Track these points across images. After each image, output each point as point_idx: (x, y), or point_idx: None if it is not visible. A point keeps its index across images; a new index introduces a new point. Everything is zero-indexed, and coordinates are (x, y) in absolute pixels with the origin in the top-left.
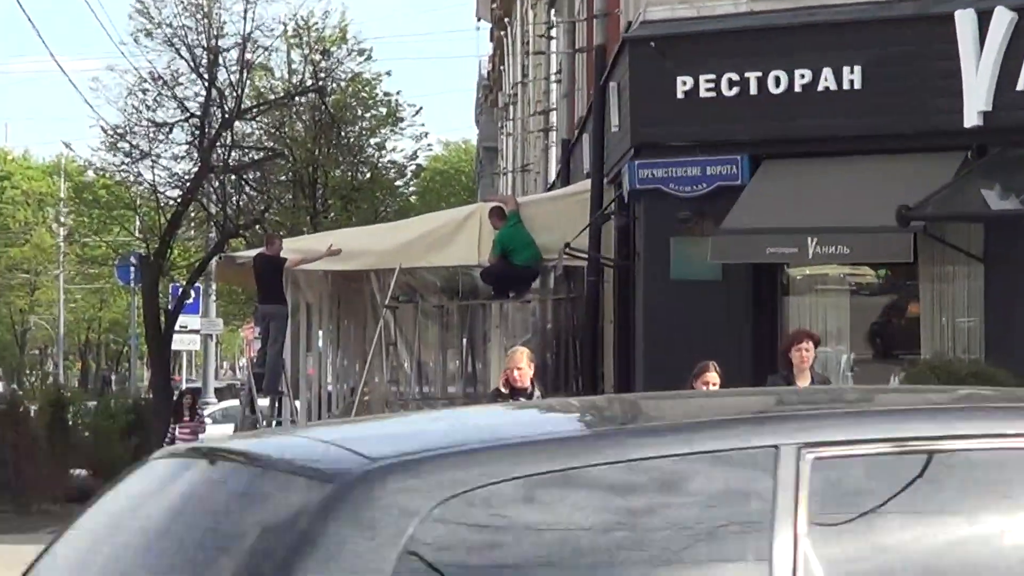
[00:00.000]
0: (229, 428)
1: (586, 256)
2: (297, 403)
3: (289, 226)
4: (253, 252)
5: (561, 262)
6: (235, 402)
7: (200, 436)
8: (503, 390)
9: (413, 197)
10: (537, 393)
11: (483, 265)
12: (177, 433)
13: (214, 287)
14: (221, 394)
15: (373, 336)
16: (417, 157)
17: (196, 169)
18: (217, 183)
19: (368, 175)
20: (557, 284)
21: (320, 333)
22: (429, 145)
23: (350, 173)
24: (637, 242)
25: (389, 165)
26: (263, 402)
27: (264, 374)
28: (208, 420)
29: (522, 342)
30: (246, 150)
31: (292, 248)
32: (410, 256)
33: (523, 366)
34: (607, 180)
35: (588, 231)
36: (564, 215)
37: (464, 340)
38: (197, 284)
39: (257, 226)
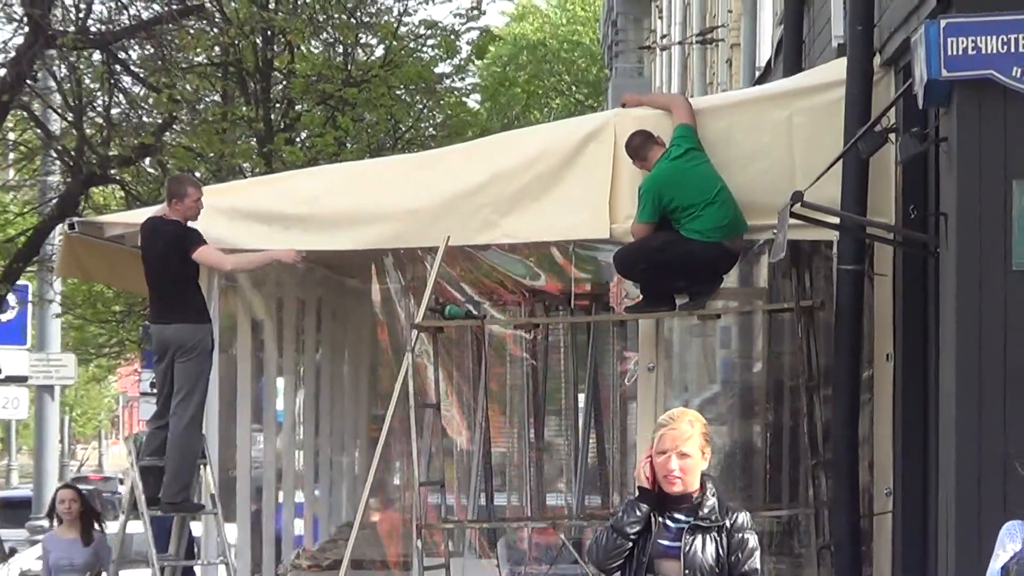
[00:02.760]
0: None
1: (836, 222)
2: (231, 531)
3: (215, 161)
4: (139, 214)
5: (784, 234)
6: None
7: None
8: (644, 489)
9: (473, 98)
10: (711, 503)
11: (618, 241)
12: None
13: (55, 288)
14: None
15: (389, 388)
16: (481, 13)
17: (21, 39)
18: (63, 68)
19: (378, 51)
20: (776, 279)
21: (281, 381)
22: None
23: (339, 49)
24: (944, 193)
25: (421, 31)
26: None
27: (164, 467)
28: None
29: (696, 401)
30: (123, 2)
31: (215, 212)
32: (468, 224)
33: (687, 448)
34: (880, 61)
35: (841, 170)
36: (788, 136)
37: (576, 394)
38: (21, 283)
39: (146, 161)
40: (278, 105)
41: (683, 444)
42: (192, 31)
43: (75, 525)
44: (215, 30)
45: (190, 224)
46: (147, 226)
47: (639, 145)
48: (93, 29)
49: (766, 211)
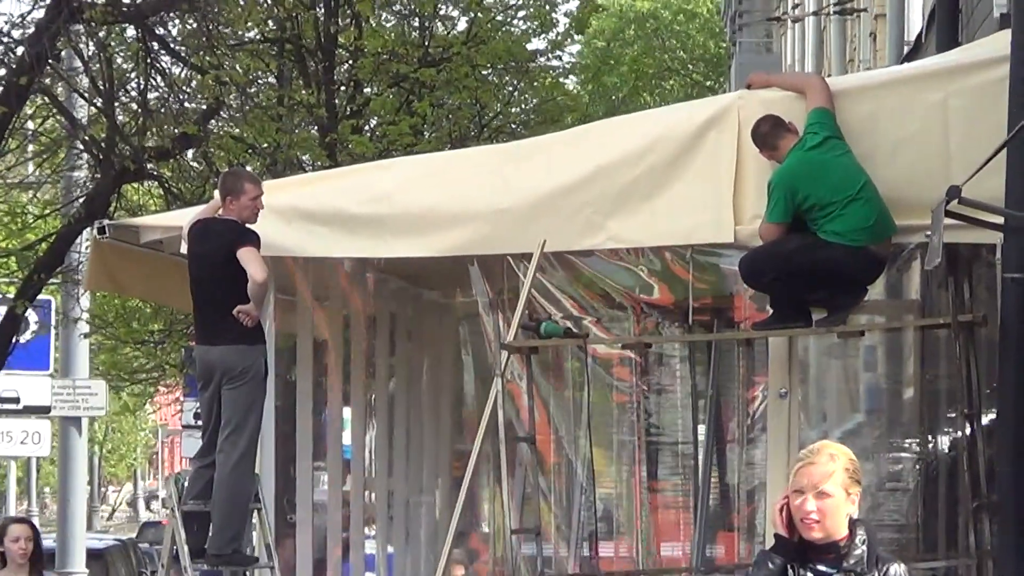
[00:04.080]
0: None
1: (1000, 221)
2: None
3: (270, 153)
4: (180, 215)
5: (939, 237)
6: None
7: None
8: (780, 537)
9: (571, 79)
10: (859, 552)
11: (744, 246)
12: None
13: (83, 304)
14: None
15: (476, 419)
16: None
17: (42, 12)
18: (92, 46)
19: (461, 25)
20: (930, 290)
21: (348, 412)
22: None
23: (415, 23)
24: None
25: (511, 2)
26: None
27: (210, 513)
28: None
29: (837, 433)
30: None
31: (270, 213)
32: (567, 226)
33: (828, 487)
34: None
35: (1005, 160)
36: (943, 121)
37: (695, 426)
38: (43, 298)
39: (188, 153)
40: (343, 88)
41: (823, 482)
42: (242, 1)
43: (24, 569)
44: (268, 0)
45: (248, 226)
46: (196, 228)
47: (768, 132)
48: (126, 0)
49: (918, 209)
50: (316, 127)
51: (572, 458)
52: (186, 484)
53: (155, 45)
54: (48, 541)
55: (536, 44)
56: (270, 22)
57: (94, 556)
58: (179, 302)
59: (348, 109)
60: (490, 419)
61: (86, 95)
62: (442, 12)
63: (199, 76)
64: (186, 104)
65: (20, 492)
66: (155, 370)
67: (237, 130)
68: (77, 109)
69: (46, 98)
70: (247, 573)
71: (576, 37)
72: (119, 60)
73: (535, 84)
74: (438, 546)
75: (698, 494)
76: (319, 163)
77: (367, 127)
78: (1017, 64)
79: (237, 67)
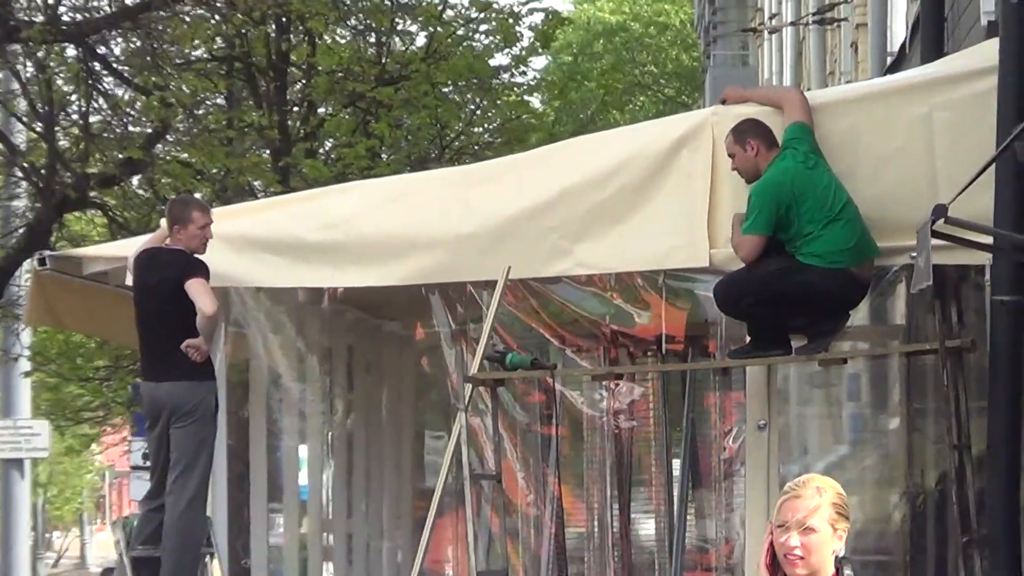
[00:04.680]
0: None
1: (989, 241)
2: None
3: (219, 178)
4: (125, 245)
5: (926, 258)
6: None
7: None
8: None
9: (537, 96)
10: None
11: (719, 270)
12: None
13: (23, 340)
14: None
15: (441, 453)
16: None
17: None
18: (30, 67)
19: (420, 40)
20: (916, 314)
21: (304, 450)
22: None
23: (371, 38)
24: None
25: (472, 14)
26: None
27: (162, 557)
28: None
29: (819, 466)
30: None
31: (219, 241)
32: (533, 252)
33: (813, 522)
34: None
35: (994, 177)
36: (929, 136)
37: (670, 460)
38: None
39: (133, 180)
40: (296, 109)
41: (809, 517)
42: (188, 19)
43: None
44: (217, 17)
45: (197, 256)
46: (142, 259)
47: (749, 141)
48: (66, 18)
49: (902, 230)
50: (268, 150)
51: (540, 496)
52: (135, 528)
53: (97, 65)
54: None
55: (499, 60)
56: (218, 39)
57: None
58: (124, 337)
59: (301, 131)
60: (453, 456)
61: (24, 119)
62: (400, 27)
63: (144, 98)
64: (130, 128)
65: None
66: (101, 409)
67: (184, 154)
68: (15, 134)
69: None
70: None
71: (541, 52)
72: (59, 82)
73: (498, 102)
74: None
75: (673, 533)
76: (271, 189)
77: (321, 150)
78: (1006, 75)
79: (184, 88)
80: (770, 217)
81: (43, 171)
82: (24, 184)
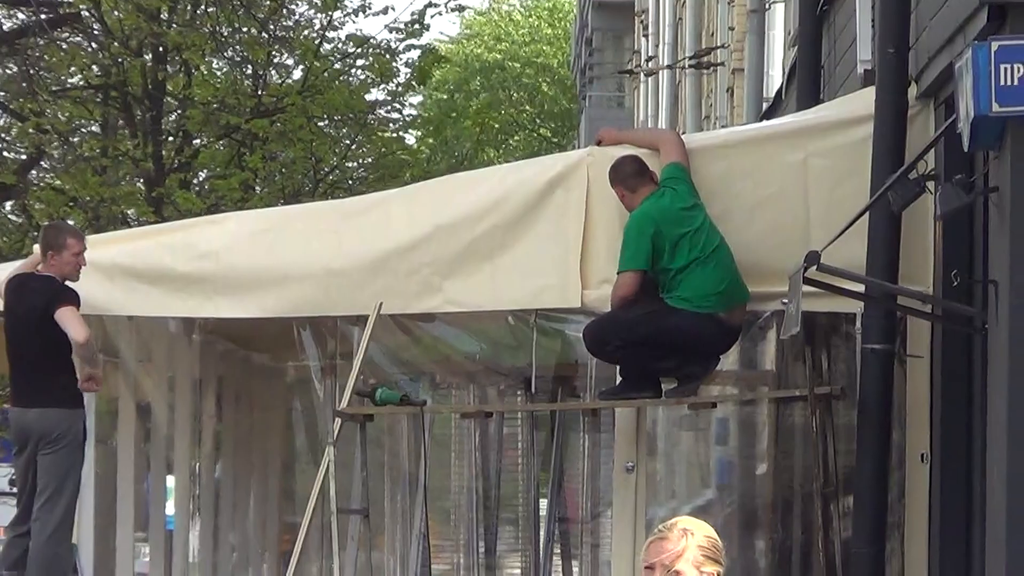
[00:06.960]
0: None
1: (860, 290)
2: None
3: (93, 207)
4: (1, 269)
5: (797, 305)
6: None
7: None
8: None
9: (412, 133)
10: None
11: (591, 311)
12: None
13: None
14: None
15: (306, 490)
16: (424, 28)
17: None
18: None
19: (296, 74)
20: (785, 361)
21: (171, 480)
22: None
23: (247, 70)
24: (994, 255)
25: (349, 49)
26: None
27: None
28: None
29: (686, 509)
30: None
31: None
32: (404, 288)
33: (680, 566)
34: (916, 92)
35: (868, 226)
36: (803, 183)
37: (537, 500)
38: None
39: (6, 205)
40: (171, 139)
41: (675, 562)
42: (66, 46)
43: None
44: (94, 45)
45: (68, 284)
46: (12, 284)
47: (632, 174)
48: None
49: (774, 275)
50: (142, 180)
51: (407, 532)
52: (1, 554)
53: None
54: None
55: (376, 95)
56: (95, 67)
57: None
58: None
59: (176, 161)
60: (320, 490)
61: None
62: (276, 60)
63: (19, 123)
64: (4, 153)
65: None
66: None
67: (58, 181)
68: None
69: None
70: None
71: (417, 88)
72: None
73: (374, 137)
74: None
75: (539, 571)
76: (145, 218)
77: (195, 181)
78: (881, 123)
79: (59, 115)
80: (645, 251)
81: None
82: None
